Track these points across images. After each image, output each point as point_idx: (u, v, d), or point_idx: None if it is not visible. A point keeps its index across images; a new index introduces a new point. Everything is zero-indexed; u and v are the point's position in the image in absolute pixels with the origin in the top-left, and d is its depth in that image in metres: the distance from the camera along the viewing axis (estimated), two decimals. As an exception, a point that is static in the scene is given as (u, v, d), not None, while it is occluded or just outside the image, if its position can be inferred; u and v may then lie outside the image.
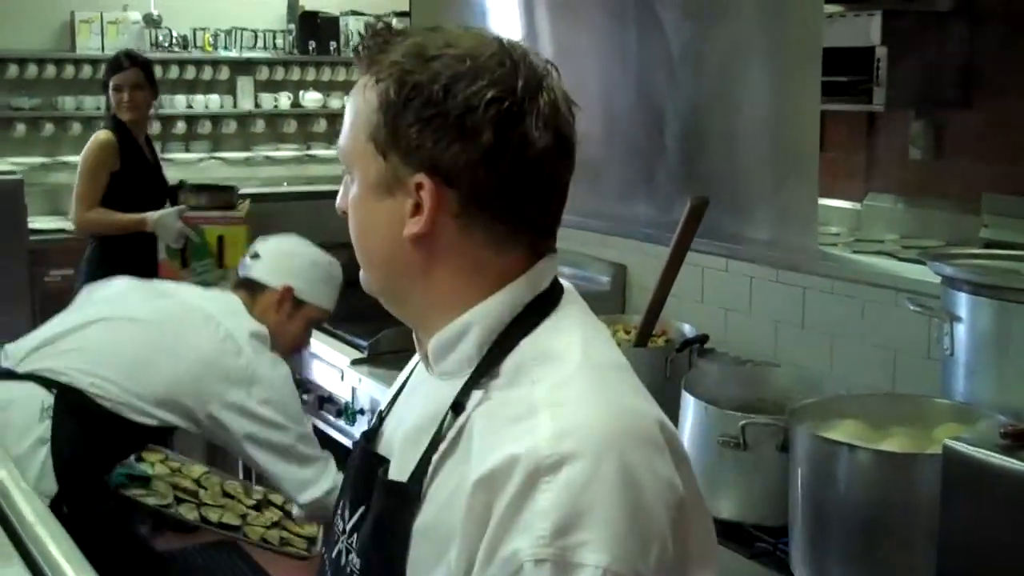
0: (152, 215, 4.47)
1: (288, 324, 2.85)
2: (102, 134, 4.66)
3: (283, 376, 2.74)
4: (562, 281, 1.27)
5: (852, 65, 4.47)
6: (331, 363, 3.36)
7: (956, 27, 4.39)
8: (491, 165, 1.15)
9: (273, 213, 4.70)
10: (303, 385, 3.37)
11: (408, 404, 1.32)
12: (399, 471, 1.22)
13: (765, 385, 2.34)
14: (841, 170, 5.06)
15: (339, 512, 1.31)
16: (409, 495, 1.17)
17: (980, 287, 1.95)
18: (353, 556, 1.24)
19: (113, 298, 2.91)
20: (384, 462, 1.26)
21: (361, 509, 1.25)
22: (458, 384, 1.19)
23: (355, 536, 1.25)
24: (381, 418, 1.36)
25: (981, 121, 4.43)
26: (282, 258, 2.90)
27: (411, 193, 1.17)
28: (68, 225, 6.01)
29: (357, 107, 1.21)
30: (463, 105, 1.14)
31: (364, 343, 3.28)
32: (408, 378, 1.38)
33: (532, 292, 1.21)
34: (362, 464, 1.31)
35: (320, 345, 3.43)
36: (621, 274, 3.46)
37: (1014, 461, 1.46)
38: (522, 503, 1.05)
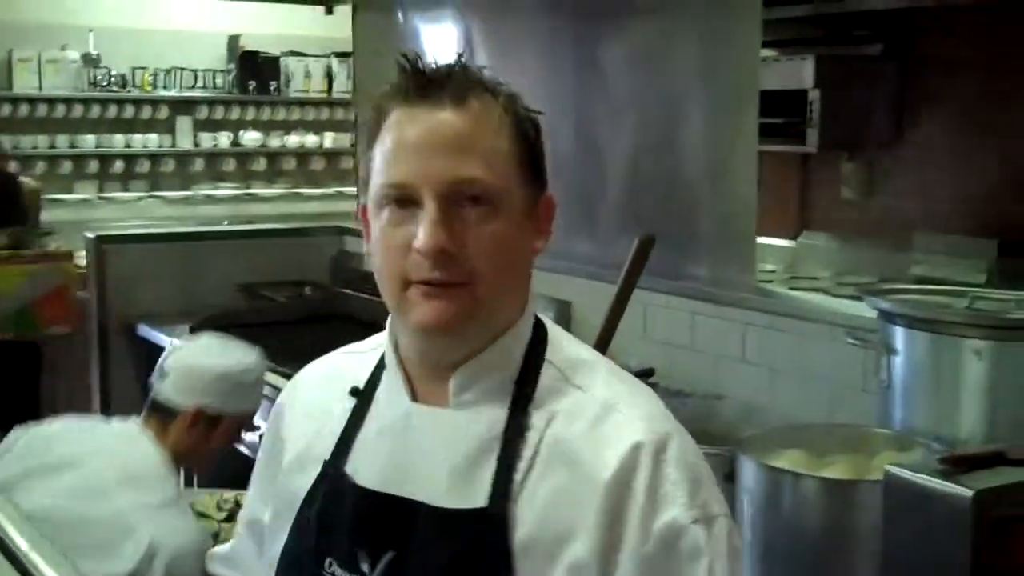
0: None
1: (208, 440, 2.66)
2: None
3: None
4: None
5: (787, 107, 4.59)
6: (273, 399, 3.35)
7: (886, 70, 4.54)
8: None
9: (213, 253, 4.71)
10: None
11: (405, 443, 1.27)
12: (459, 503, 1.21)
13: (710, 417, 2.40)
14: (776, 209, 5.17)
15: (333, 570, 1.25)
16: (498, 518, 1.19)
17: (915, 320, 2.02)
18: None
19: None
20: (415, 503, 1.23)
21: (390, 554, 1.22)
22: (494, 410, 1.23)
23: None
24: (334, 464, 1.31)
25: (911, 161, 4.58)
26: (188, 376, 2.64)
27: (541, 212, 1.28)
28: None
29: (491, 137, 1.22)
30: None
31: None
32: (350, 423, 1.33)
33: (532, 313, 1.31)
34: (372, 509, 1.26)
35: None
36: (566, 310, 3.51)
37: (952, 485, 1.52)
38: (657, 480, 1.18)
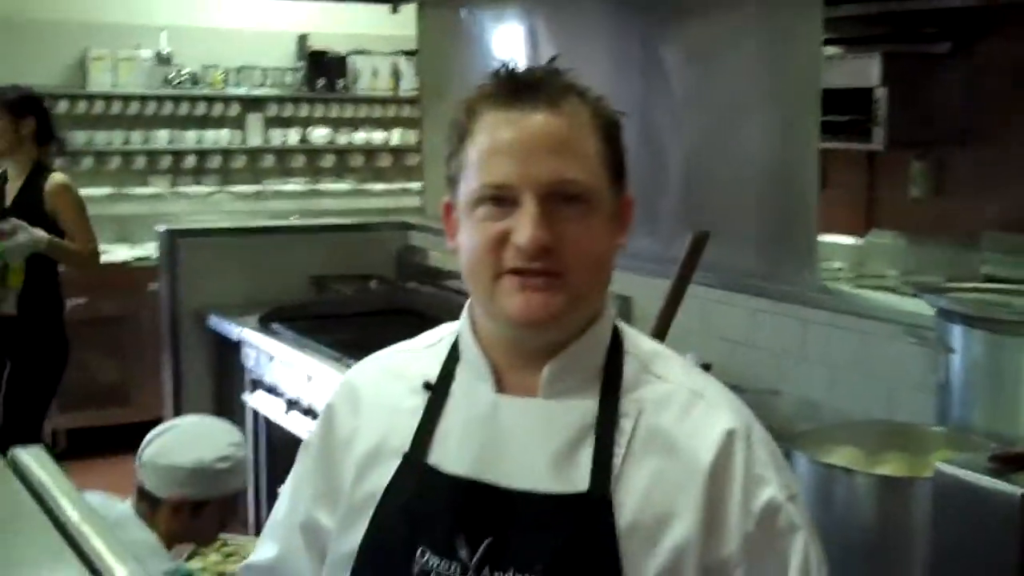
0: None
1: (197, 521, 2.68)
2: None
3: None
4: None
5: (853, 105, 4.56)
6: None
7: (954, 68, 4.49)
8: None
9: (281, 246, 4.80)
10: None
11: (496, 432, 1.30)
12: (559, 488, 1.26)
13: (766, 413, 2.40)
14: (843, 207, 5.14)
15: (428, 558, 1.27)
16: (602, 502, 1.24)
17: (972, 319, 2.02)
18: None
19: None
20: (509, 490, 1.26)
21: (489, 539, 1.25)
22: (583, 400, 1.29)
23: (487, 568, 1.25)
24: (415, 455, 1.33)
25: (980, 159, 4.52)
26: (165, 471, 2.64)
27: (622, 211, 1.33)
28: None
29: (584, 139, 1.29)
30: None
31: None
32: (428, 414, 1.36)
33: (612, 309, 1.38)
34: (466, 496, 1.28)
35: (328, 371, 3.50)
36: (626, 306, 3.53)
37: (1001, 483, 1.52)
38: (751, 462, 1.27)
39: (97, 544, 0.90)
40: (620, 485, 1.25)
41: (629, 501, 1.25)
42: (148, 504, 2.64)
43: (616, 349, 1.34)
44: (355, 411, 1.41)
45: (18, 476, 1.08)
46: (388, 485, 1.33)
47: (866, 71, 4.53)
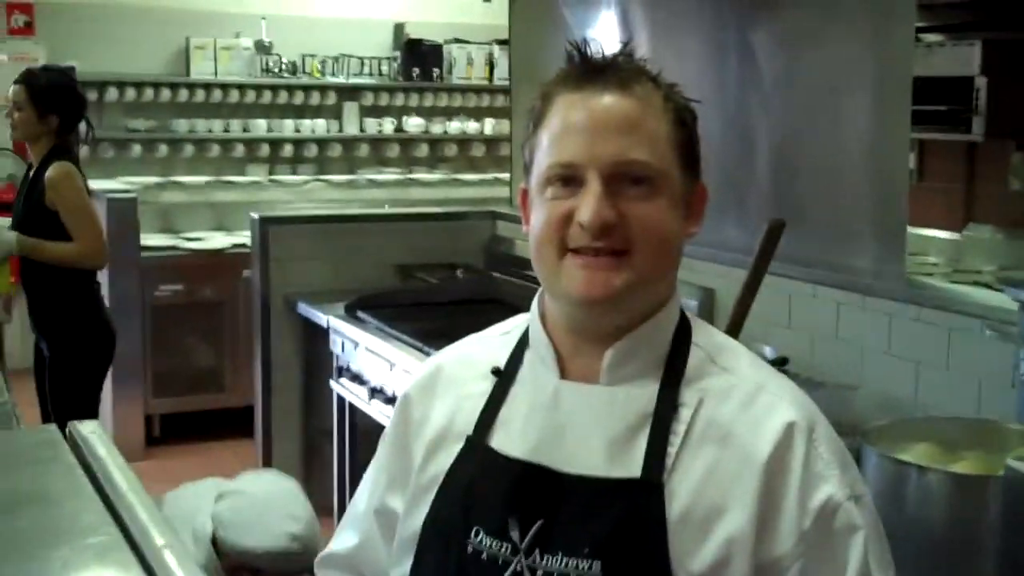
0: None
1: None
2: None
3: None
4: None
5: (951, 94, 4.45)
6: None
7: (1058, 56, 4.35)
8: None
9: (371, 235, 4.85)
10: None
11: (556, 417, 1.31)
12: (613, 473, 1.26)
13: (846, 407, 2.36)
14: (940, 199, 5.02)
15: (482, 538, 1.29)
16: (655, 487, 1.23)
17: (1057, 314, 1.95)
18: (564, 563, 1.24)
19: None
20: (563, 474, 1.27)
21: (540, 522, 1.26)
22: (644, 387, 1.28)
23: (537, 551, 1.25)
24: (477, 439, 1.35)
25: (1084, 152, 4.38)
26: (231, 548, 2.64)
27: (693, 199, 1.32)
28: (179, 243, 6.27)
29: (654, 121, 1.28)
30: None
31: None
32: (492, 399, 1.37)
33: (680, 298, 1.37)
34: (519, 480, 1.29)
35: (411, 360, 3.54)
36: (709, 298, 3.49)
37: (1078, 483, 1.47)
38: (811, 459, 1.23)
39: (142, 516, 0.92)
40: (674, 473, 1.24)
41: (682, 490, 1.23)
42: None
43: (682, 339, 1.33)
44: (428, 396, 1.44)
45: (73, 450, 1.10)
46: (451, 467, 1.35)
47: (966, 59, 4.42)
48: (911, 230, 3.77)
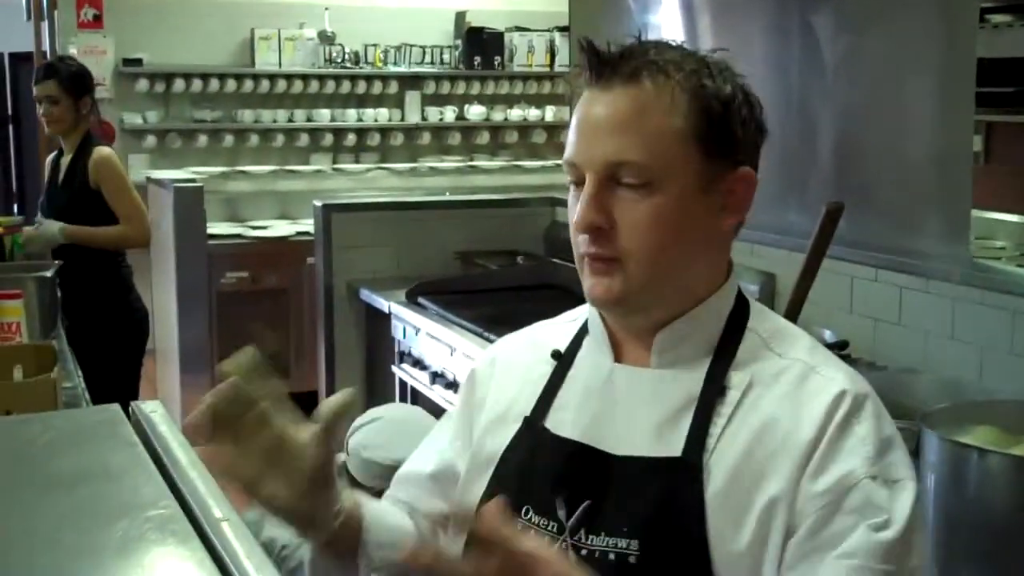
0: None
1: None
2: None
3: None
4: None
5: (1019, 75, 4.36)
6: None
7: None
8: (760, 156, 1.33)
9: (432, 222, 4.88)
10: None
11: (610, 400, 1.33)
12: (656, 453, 1.27)
13: (907, 392, 2.34)
14: (1009, 182, 4.93)
15: (531, 516, 1.31)
16: (694, 468, 1.24)
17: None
18: (607, 543, 1.25)
19: None
20: (610, 455, 1.28)
21: (587, 502, 1.27)
22: (694, 371, 1.29)
23: (583, 530, 1.27)
24: (534, 420, 1.37)
25: None
26: (364, 464, 2.70)
27: (731, 187, 1.28)
28: (244, 231, 6.35)
29: (656, 117, 1.24)
30: (757, 106, 1.30)
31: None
32: (552, 382, 1.39)
33: (736, 284, 1.35)
34: (568, 461, 1.31)
35: (471, 346, 3.56)
36: (770, 283, 3.47)
37: None
38: (845, 431, 1.21)
39: (200, 488, 0.95)
40: (715, 454, 1.24)
41: (721, 469, 1.23)
42: (351, 484, 2.72)
43: (737, 324, 1.32)
44: (492, 376, 1.47)
45: (136, 429, 1.13)
46: (508, 446, 1.38)
47: (1035, 40, 4.33)
48: (977, 213, 3.72)
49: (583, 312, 1.44)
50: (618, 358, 1.35)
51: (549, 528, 1.29)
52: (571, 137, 1.29)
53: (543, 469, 1.33)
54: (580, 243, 1.28)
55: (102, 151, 4.28)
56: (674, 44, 1.32)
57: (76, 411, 2.08)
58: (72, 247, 4.19)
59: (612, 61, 1.27)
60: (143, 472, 1.00)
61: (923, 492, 1.87)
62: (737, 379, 1.28)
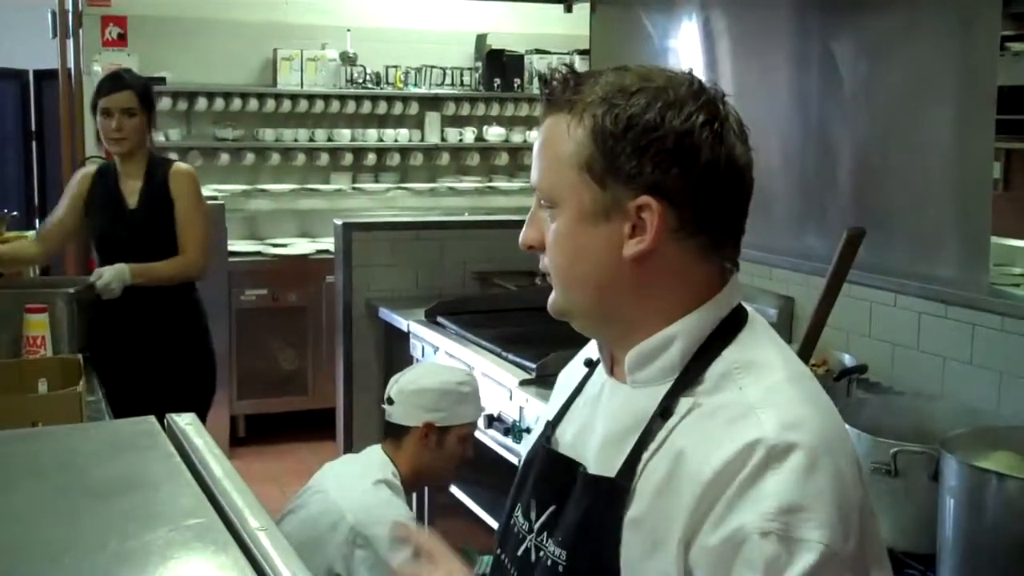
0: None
1: (440, 451, 2.94)
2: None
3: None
4: (744, 304, 1.36)
5: (1040, 103, 4.38)
6: (500, 383, 3.51)
7: None
8: (708, 182, 1.26)
9: (451, 242, 4.92)
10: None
11: (595, 412, 1.38)
12: (601, 470, 1.30)
13: (925, 417, 2.35)
14: (1028, 210, 4.94)
15: (518, 514, 1.41)
16: (619, 490, 1.26)
17: None
18: (552, 550, 1.32)
19: None
20: (576, 464, 1.34)
21: (552, 507, 1.34)
22: (658, 392, 1.29)
23: (545, 533, 1.35)
24: (553, 425, 1.45)
25: None
26: (413, 397, 2.94)
27: (631, 216, 1.26)
28: (264, 249, 6.39)
29: (558, 144, 1.29)
30: (679, 130, 1.24)
31: (532, 365, 3.42)
32: (576, 390, 1.46)
33: (728, 307, 1.32)
34: (549, 466, 1.39)
35: (490, 366, 3.58)
36: (788, 306, 3.48)
37: None
38: (751, 483, 1.16)
39: (236, 499, 0.97)
40: (642, 479, 1.25)
41: (643, 495, 1.25)
42: (393, 440, 2.94)
43: (710, 351, 1.29)
44: (557, 385, 1.57)
45: (172, 440, 1.16)
46: (530, 448, 1.48)
47: (1055, 68, 4.35)
48: (996, 240, 3.72)
49: None
50: (613, 372, 1.39)
51: (523, 528, 1.39)
52: None
53: (535, 473, 1.42)
54: None
55: (182, 165, 4.02)
56: (629, 70, 1.29)
57: (114, 422, 2.10)
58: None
59: (547, 87, 1.33)
60: (181, 482, 1.02)
61: (943, 516, 1.88)
62: (683, 405, 1.26)
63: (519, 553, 1.38)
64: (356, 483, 2.82)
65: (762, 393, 1.24)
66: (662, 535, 1.21)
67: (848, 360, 2.61)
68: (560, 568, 1.30)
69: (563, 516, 1.33)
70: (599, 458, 1.32)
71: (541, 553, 1.34)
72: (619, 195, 1.26)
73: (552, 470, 1.38)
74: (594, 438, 1.35)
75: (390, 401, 2.97)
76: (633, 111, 1.24)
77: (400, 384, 2.98)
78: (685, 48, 4.28)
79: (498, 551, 1.44)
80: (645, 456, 1.25)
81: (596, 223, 1.28)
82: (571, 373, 1.52)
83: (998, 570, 1.80)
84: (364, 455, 3.00)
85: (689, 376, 1.28)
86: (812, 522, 1.14)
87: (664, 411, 1.27)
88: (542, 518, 1.35)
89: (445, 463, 2.96)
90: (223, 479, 0.99)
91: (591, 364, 1.45)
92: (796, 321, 3.44)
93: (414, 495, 3.68)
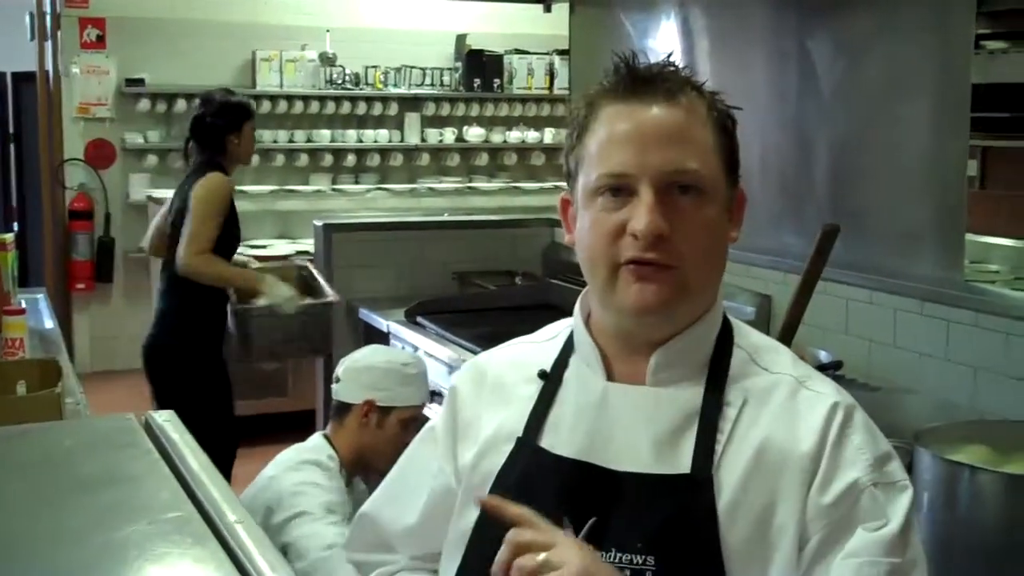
0: (269, 277, 4.27)
1: (381, 433, 2.94)
2: (222, 177, 4.23)
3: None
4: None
5: (1015, 101, 4.41)
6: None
7: (1124, 62, 4.31)
8: None
9: (431, 242, 4.92)
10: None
11: (604, 417, 1.34)
12: (664, 470, 1.29)
13: (901, 412, 2.38)
14: (1003, 207, 4.98)
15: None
16: (704, 483, 1.27)
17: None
18: (624, 558, 1.26)
19: None
20: (613, 471, 1.30)
21: (592, 519, 1.27)
22: (693, 388, 1.32)
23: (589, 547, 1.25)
24: (531, 440, 1.37)
25: None
26: (358, 374, 2.98)
27: (731, 205, 1.35)
28: (243, 250, 6.37)
29: (700, 130, 1.32)
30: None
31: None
32: (541, 402, 1.39)
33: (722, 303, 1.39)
34: (571, 478, 1.32)
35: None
36: (766, 304, 3.50)
37: None
38: (842, 443, 1.27)
39: (214, 493, 0.98)
40: (722, 468, 1.28)
41: (729, 484, 1.27)
42: (337, 419, 2.95)
43: (725, 341, 1.36)
44: (478, 396, 1.46)
45: (150, 437, 1.16)
46: (502, 467, 1.38)
47: (1029, 66, 4.38)
48: (973, 237, 3.76)
49: (561, 330, 1.45)
50: (609, 376, 1.36)
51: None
52: (613, 148, 1.30)
53: (543, 488, 1.33)
54: (626, 250, 1.28)
55: (216, 176, 4.20)
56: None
57: (93, 419, 2.11)
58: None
59: (652, 77, 1.32)
60: (160, 477, 1.03)
61: (916, 508, 1.90)
62: (733, 395, 1.32)
63: None
64: (288, 465, 2.84)
65: (792, 368, 1.35)
66: (769, 513, 1.26)
67: (824, 356, 2.64)
68: (649, 574, 1.26)
69: (617, 524, 1.28)
70: (656, 459, 1.30)
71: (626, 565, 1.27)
72: (732, 183, 1.35)
73: (580, 482, 1.32)
74: (628, 442, 1.32)
75: (337, 379, 3.01)
76: (731, 110, 1.35)
77: (348, 362, 3.02)
78: (664, 47, 4.30)
79: None
80: (718, 449, 1.29)
81: (725, 210, 1.34)
82: (511, 383, 1.43)
83: (972, 561, 1.82)
84: (306, 442, 3.01)
85: (719, 369, 1.34)
86: (894, 464, 1.29)
87: (717, 404, 1.31)
88: (583, 532, 1.27)
89: (385, 446, 2.92)
90: (200, 473, 1.00)
91: (545, 376, 1.40)
92: (774, 319, 3.45)
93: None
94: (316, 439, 2.97)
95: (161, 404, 4.06)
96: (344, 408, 2.96)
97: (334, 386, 3.02)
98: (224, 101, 4.30)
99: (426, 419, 3.03)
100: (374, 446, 2.93)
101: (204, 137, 4.25)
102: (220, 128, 4.21)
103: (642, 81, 1.32)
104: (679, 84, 1.32)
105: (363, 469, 3.03)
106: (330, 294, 4.32)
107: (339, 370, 3.03)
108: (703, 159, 1.30)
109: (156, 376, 4.26)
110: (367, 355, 3.06)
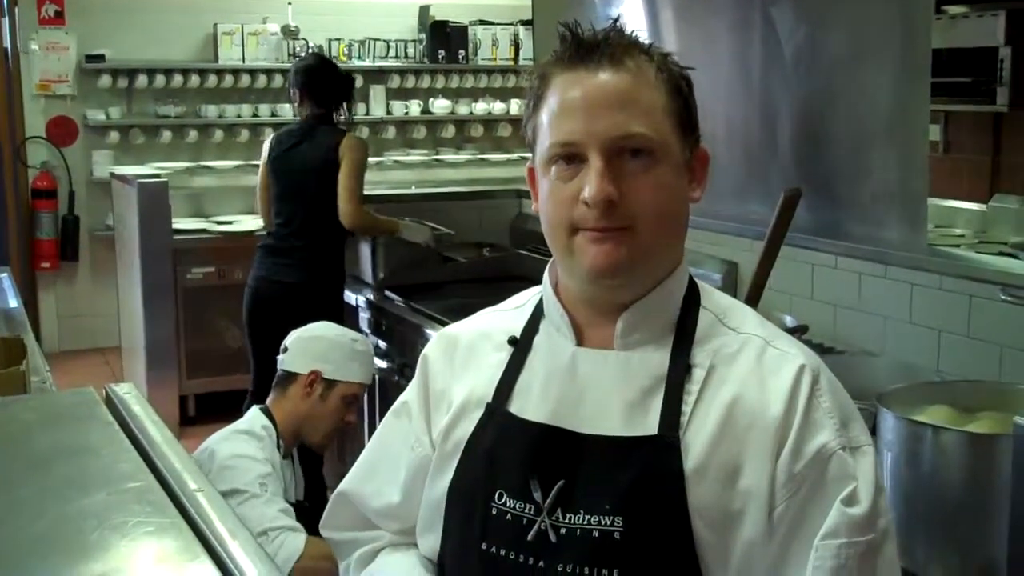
0: (403, 221, 4.55)
1: (323, 405, 2.99)
2: (359, 138, 4.62)
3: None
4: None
5: (976, 65, 4.44)
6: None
7: (1083, 25, 4.34)
8: None
9: (399, 215, 4.90)
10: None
11: (574, 381, 1.35)
12: (632, 432, 1.30)
13: (866, 375, 2.39)
14: (967, 171, 5.02)
15: (504, 500, 1.33)
16: (671, 444, 1.28)
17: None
18: (592, 519, 1.28)
19: None
20: (584, 435, 1.32)
21: (561, 482, 1.30)
22: (660, 351, 1.34)
23: (559, 510, 1.29)
24: (499, 406, 1.39)
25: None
26: (306, 343, 3.02)
27: (696, 164, 1.37)
28: (209, 226, 6.34)
29: (649, 92, 1.32)
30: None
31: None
32: (511, 368, 1.41)
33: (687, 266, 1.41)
34: (541, 442, 1.33)
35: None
36: (733, 271, 3.52)
37: (1086, 438, 1.50)
38: (812, 405, 1.29)
39: (175, 463, 0.97)
40: (689, 430, 1.29)
41: (697, 445, 1.28)
42: (281, 388, 2.97)
43: (691, 303, 1.38)
44: (448, 368, 1.48)
45: (111, 410, 1.16)
46: (472, 433, 1.40)
47: (990, 30, 4.41)
48: (937, 202, 3.79)
49: (530, 298, 1.48)
50: (579, 342, 1.38)
51: (526, 511, 1.32)
52: (562, 117, 1.31)
53: (512, 453, 1.35)
54: (585, 217, 1.29)
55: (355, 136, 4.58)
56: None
57: (54, 393, 2.10)
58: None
59: (597, 44, 1.32)
60: (120, 449, 1.03)
61: (881, 471, 1.92)
62: (700, 357, 1.33)
63: (529, 538, 1.31)
64: (222, 435, 2.86)
65: (759, 328, 1.37)
66: (736, 474, 1.27)
67: (790, 321, 2.65)
68: (616, 535, 1.27)
69: (585, 486, 1.30)
70: (625, 423, 1.31)
71: (564, 531, 1.29)
72: (690, 144, 1.36)
73: (548, 446, 1.33)
74: (597, 406, 1.33)
75: (285, 350, 3.04)
76: (684, 71, 1.36)
77: (297, 333, 3.07)
78: (628, 17, 4.29)
79: (483, 546, 1.34)
80: (686, 410, 1.30)
81: (680, 171, 1.34)
82: (481, 352, 1.45)
83: (934, 520, 1.84)
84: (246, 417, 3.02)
85: (685, 331, 1.35)
86: (857, 428, 1.31)
87: (686, 366, 1.32)
88: (551, 495, 1.30)
89: (325, 420, 2.99)
90: (162, 444, 0.99)
91: (515, 342, 1.42)
92: (740, 286, 3.47)
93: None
94: (252, 411, 2.98)
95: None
96: (289, 378, 2.98)
97: (281, 356, 3.04)
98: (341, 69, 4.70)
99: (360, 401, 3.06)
100: (312, 418, 2.97)
101: (320, 94, 4.49)
102: (339, 93, 4.52)
103: (587, 48, 1.32)
104: (625, 48, 1.33)
105: (301, 440, 3.04)
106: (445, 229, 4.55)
107: (288, 340, 3.05)
108: (651, 122, 1.30)
109: (291, 316, 4.09)
110: (316, 328, 3.11)
